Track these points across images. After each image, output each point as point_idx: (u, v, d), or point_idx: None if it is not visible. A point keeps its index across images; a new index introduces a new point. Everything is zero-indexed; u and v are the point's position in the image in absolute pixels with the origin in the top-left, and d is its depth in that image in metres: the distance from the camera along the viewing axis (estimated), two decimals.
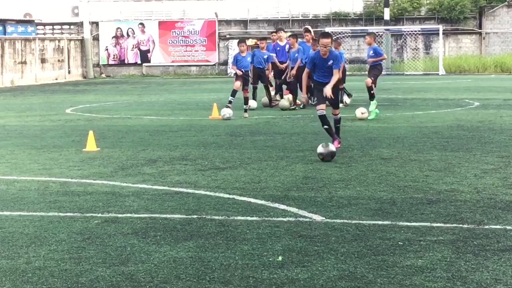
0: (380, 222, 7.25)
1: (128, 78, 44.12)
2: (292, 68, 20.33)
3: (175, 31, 45.71)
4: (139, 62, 46.31)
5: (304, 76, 12.55)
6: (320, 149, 11.10)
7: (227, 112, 18.13)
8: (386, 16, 42.53)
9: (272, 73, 22.09)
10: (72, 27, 47.39)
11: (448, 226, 7.06)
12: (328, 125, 12.24)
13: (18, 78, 39.24)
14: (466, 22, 44.92)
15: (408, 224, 7.16)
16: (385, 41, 42.58)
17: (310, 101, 21.46)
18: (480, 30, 44.87)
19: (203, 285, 5.45)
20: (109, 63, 46.59)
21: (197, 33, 45.67)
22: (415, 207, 7.86)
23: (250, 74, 19.13)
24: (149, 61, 46.19)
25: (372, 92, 17.40)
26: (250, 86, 19.99)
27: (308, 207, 7.94)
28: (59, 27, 47.54)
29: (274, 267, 5.83)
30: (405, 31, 44.00)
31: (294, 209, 7.87)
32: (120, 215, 7.72)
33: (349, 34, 43.76)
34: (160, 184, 9.49)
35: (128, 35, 46.20)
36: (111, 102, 25.03)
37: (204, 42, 45.72)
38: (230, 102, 19.35)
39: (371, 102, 17.46)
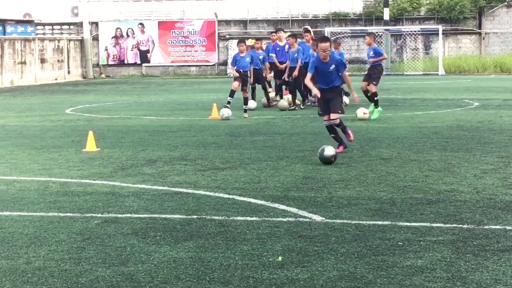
0: (380, 222, 7.25)
1: (128, 78, 44.11)
2: (292, 68, 20.30)
3: (174, 31, 45.71)
4: (138, 62, 46.29)
5: (308, 81, 12.09)
6: (331, 151, 10.82)
7: (225, 112, 18.13)
8: (386, 16, 42.53)
9: (272, 73, 22.11)
10: (71, 27, 47.38)
11: (448, 226, 7.07)
12: (336, 133, 11.98)
13: (17, 78, 39.24)
14: (466, 22, 44.93)
15: (408, 224, 7.16)
16: (385, 41, 42.57)
17: (308, 101, 21.50)
18: (479, 30, 44.87)
19: (203, 285, 5.46)
20: (109, 63, 46.58)
21: (196, 33, 45.67)
22: (415, 207, 7.87)
23: (249, 75, 19.10)
24: (148, 61, 46.18)
25: (376, 98, 17.34)
26: (249, 86, 19.98)
27: (308, 207, 7.94)
28: (58, 27, 47.53)
29: (274, 267, 5.84)
30: (404, 31, 44.00)
31: (294, 209, 7.87)
32: (120, 215, 7.72)
33: (349, 34, 43.76)
34: (160, 184, 9.49)
35: (127, 35, 46.20)
36: (111, 102, 25.03)
37: (203, 42, 45.72)
38: (228, 102, 19.37)
39: (376, 109, 17.37)
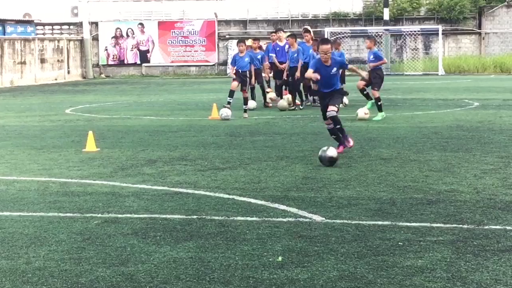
0: (380, 223, 7.25)
1: (128, 78, 44.12)
2: (292, 68, 20.28)
3: (174, 31, 45.72)
4: (138, 62, 46.30)
5: (308, 73, 11.99)
6: (333, 152, 10.68)
7: (225, 112, 18.14)
8: (386, 16, 42.53)
9: (272, 73, 22.12)
10: (71, 27, 47.38)
11: (448, 226, 7.07)
12: (336, 134, 11.84)
13: (17, 78, 39.24)
14: (466, 22, 44.93)
15: (408, 224, 7.16)
16: (385, 41, 42.58)
17: (307, 101, 21.50)
18: (479, 30, 44.88)
19: (203, 285, 5.46)
20: (109, 63, 46.59)
21: (196, 33, 45.67)
22: (415, 208, 7.87)
23: (248, 75, 19.09)
24: (148, 61, 46.18)
25: (379, 103, 17.33)
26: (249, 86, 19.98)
27: (308, 208, 7.94)
28: (58, 27, 47.54)
29: (274, 268, 5.84)
30: (404, 31, 44.00)
31: (294, 210, 7.87)
32: (120, 216, 7.72)
33: (349, 34, 43.77)
34: (160, 184, 9.49)
35: (127, 35, 46.20)
36: (111, 102, 25.03)
37: (203, 42, 45.72)
38: (228, 103, 19.38)
39: (380, 113, 17.36)
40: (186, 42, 45.75)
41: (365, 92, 18.17)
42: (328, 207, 7.95)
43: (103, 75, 46.19)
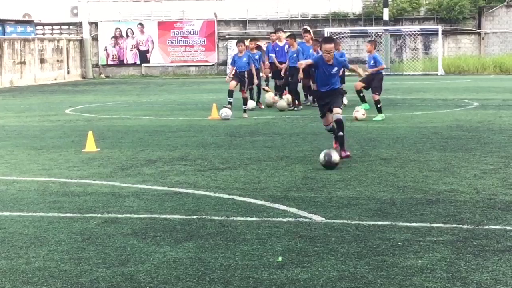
0: (380, 223, 7.25)
1: (127, 79, 44.12)
2: (292, 68, 20.27)
3: (174, 32, 45.71)
4: (138, 62, 46.30)
5: (308, 61, 11.88)
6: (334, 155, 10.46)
7: (225, 112, 18.14)
8: (385, 16, 42.53)
9: (271, 73, 22.13)
10: (71, 27, 47.38)
11: (448, 226, 7.07)
12: (336, 133, 11.57)
13: (17, 79, 39.23)
14: (465, 22, 44.93)
15: (408, 224, 7.17)
16: (384, 41, 42.58)
17: (307, 101, 21.50)
18: (479, 30, 44.88)
19: (203, 285, 5.46)
20: (108, 63, 46.59)
21: (196, 33, 45.67)
22: (414, 208, 7.87)
23: (246, 75, 19.10)
24: (148, 62, 46.18)
25: (379, 106, 17.33)
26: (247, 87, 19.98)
27: (307, 208, 7.94)
28: (58, 27, 47.53)
29: (274, 268, 5.84)
30: (404, 31, 44.01)
31: (294, 210, 7.87)
32: (119, 216, 7.72)
33: (348, 35, 43.77)
34: (160, 184, 9.49)
35: (127, 36, 46.20)
36: (110, 102, 25.03)
37: (203, 42, 45.72)
38: (229, 103, 19.41)
39: (379, 114, 17.37)
40: (186, 42, 45.75)
41: (361, 94, 18.16)
42: (328, 207, 7.95)
43: (102, 75, 46.19)
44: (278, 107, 20.41)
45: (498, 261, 5.92)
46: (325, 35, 39.11)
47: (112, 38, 46.26)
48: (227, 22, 46.34)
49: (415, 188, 8.93)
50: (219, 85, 33.26)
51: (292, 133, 14.98)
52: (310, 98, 21.21)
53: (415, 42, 44.43)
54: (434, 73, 41.34)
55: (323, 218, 7.46)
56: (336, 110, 11.30)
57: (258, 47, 23.10)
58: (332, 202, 8.22)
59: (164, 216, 7.68)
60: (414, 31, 43.77)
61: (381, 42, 41.19)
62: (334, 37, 36.06)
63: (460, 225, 7.09)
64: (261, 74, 22.14)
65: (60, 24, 47.45)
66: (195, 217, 7.60)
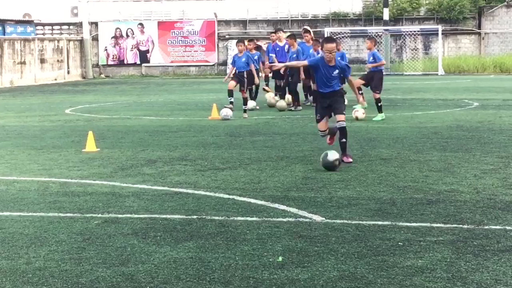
0: (380, 223, 7.25)
1: (127, 79, 44.12)
2: (292, 68, 20.26)
3: (174, 32, 45.72)
4: (138, 62, 46.30)
5: (300, 63, 11.64)
6: (334, 155, 10.25)
7: (225, 112, 18.15)
8: (386, 16, 42.54)
9: (271, 73, 22.13)
10: (71, 27, 47.38)
11: (448, 226, 7.07)
12: (333, 134, 11.35)
13: (17, 79, 39.24)
14: (465, 22, 44.94)
15: (408, 224, 7.17)
16: (385, 41, 42.59)
17: (307, 101, 21.49)
18: (479, 30, 44.89)
19: (203, 285, 5.46)
20: (108, 63, 46.59)
21: (196, 33, 45.68)
22: (415, 208, 7.87)
23: (245, 75, 19.12)
24: (148, 62, 46.18)
25: (380, 104, 17.35)
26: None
27: (308, 208, 7.94)
28: (58, 27, 47.54)
29: (274, 268, 5.84)
30: (404, 31, 44.01)
31: (294, 210, 7.87)
32: (120, 216, 7.72)
33: (349, 35, 43.77)
34: (160, 184, 9.49)
35: (127, 36, 46.21)
36: (111, 102, 25.03)
37: (203, 42, 45.72)
38: (231, 102, 19.42)
39: (379, 114, 17.39)
40: (186, 42, 45.75)
41: (360, 92, 18.15)
42: (328, 207, 7.95)
43: (102, 75, 46.19)
44: (278, 107, 20.41)
45: (498, 261, 5.93)
46: (325, 35, 39.11)
47: (112, 38, 46.27)
48: (227, 22, 46.35)
49: (415, 188, 8.93)
50: (219, 85, 33.25)
51: (292, 133, 14.98)
52: (310, 98, 21.20)
53: (415, 42, 44.44)
54: (434, 73, 41.34)
55: (323, 218, 7.46)
56: (340, 117, 10.94)
57: (258, 47, 23.12)
58: (332, 202, 8.23)
59: (164, 216, 7.68)
60: (414, 31, 43.77)
61: (381, 42, 41.18)
62: (334, 37, 36.09)
63: (460, 225, 7.09)
64: (260, 74, 22.14)
65: (60, 24, 47.46)
66: (195, 217, 7.60)
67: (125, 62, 46.45)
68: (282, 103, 20.45)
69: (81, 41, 45.94)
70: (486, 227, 7.03)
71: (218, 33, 45.85)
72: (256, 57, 20.82)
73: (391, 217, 7.48)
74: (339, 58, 21.33)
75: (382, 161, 11.05)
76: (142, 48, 46.07)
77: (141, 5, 47.05)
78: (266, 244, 6.53)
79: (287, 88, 21.30)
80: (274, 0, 46.28)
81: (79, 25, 46.65)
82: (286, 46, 21.27)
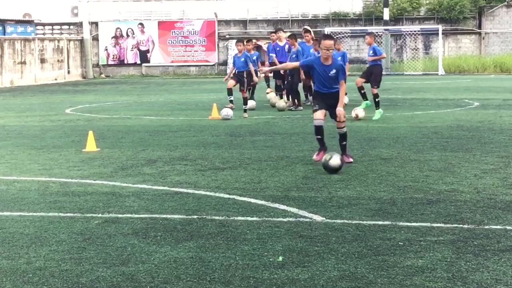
0: (380, 222, 7.25)
1: (128, 78, 44.12)
2: (292, 68, 20.26)
3: (174, 31, 45.72)
4: (138, 62, 46.30)
5: (290, 65, 11.41)
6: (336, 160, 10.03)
7: (225, 111, 18.16)
8: (386, 16, 42.53)
9: (272, 73, 22.13)
10: (71, 27, 47.38)
11: (448, 226, 7.07)
12: (322, 136, 10.91)
13: (17, 78, 39.24)
14: (466, 22, 44.93)
15: (408, 224, 7.17)
16: (385, 41, 42.58)
17: (307, 101, 21.49)
18: (479, 30, 44.88)
19: (204, 285, 5.46)
20: (109, 63, 46.59)
21: (196, 33, 45.67)
22: (415, 207, 7.87)
23: (245, 75, 19.13)
24: (148, 61, 46.18)
25: (377, 100, 17.40)
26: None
27: (308, 207, 7.94)
28: (58, 27, 47.54)
29: (275, 268, 5.84)
30: (404, 31, 44.01)
31: (294, 209, 7.87)
32: (120, 216, 7.72)
33: (349, 34, 43.77)
34: (160, 184, 9.49)
35: (127, 35, 46.20)
36: (111, 102, 25.03)
37: (203, 42, 45.72)
38: (231, 101, 19.42)
39: (377, 110, 17.43)
40: (186, 42, 45.75)
41: (362, 91, 18.20)
42: (328, 207, 7.95)
43: (103, 75, 46.19)
44: (277, 107, 20.40)
45: (498, 261, 5.93)
46: (329, 33, 39.07)
47: (112, 38, 46.26)
48: (227, 22, 46.34)
49: (415, 188, 8.93)
50: (220, 85, 33.25)
51: (292, 133, 14.98)
52: (311, 98, 21.19)
53: (415, 42, 44.43)
54: (435, 73, 41.34)
55: (324, 218, 7.46)
56: (340, 124, 10.82)
57: (259, 47, 23.11)
58: (332, 202, 8.23)
59: (164, 216, 7.68)
60: (415, 31, 43.76)
61: (381, 42, 41.18)
62: (335, 37, 36.10)
63: (461, 225, 7.09)
64: (259, 75, 22.12)
65: (61, 24, 47.46)
66: (195, 217, 7.60)
67: (125, 62, 46.45)
68: (281, 103, 20.44)
69: (81, 41, 45.95)
70: (487, 227, 7.03)
71: (218, 33, 45.85)
72: (254, 58, 20.81)
73: (391, 217, 7.48)
74: (339, 58, 21.40)
75: (382, 161, 11.05)
76: (142, 48, 46.07)
77: (141, 5, 47.05)
78: (266, 244, 6.53)
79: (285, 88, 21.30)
80: (274, 0, 46.27)
81: (79, 25, 46.64)
82: (287, 46, 21.27)
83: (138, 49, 46.10)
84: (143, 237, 6.83)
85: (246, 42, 21.55)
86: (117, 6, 46.92)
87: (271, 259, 6.06)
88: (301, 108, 20.53)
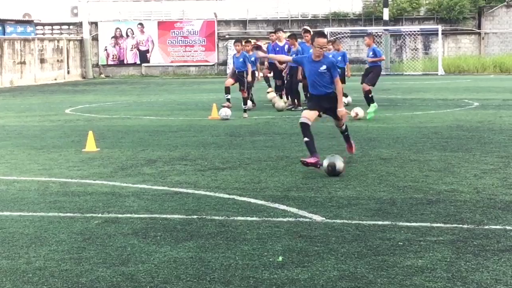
0: (380, 222, 7.25)
1: (127, 78, 44.12)
2: (292, 68, 20.28)
3: (174, 31, 45.72)
4: (138, 62, 46.31)
5: (285, 57, 11.25)
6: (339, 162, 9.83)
7: (224, 111, 18.16)
8: (385, 16, 42.55)
9: (272, 73, 22.13)
10: (71, 27, 47.39)
11: (448, 226, 7.07)
12: (310, 138, 10.29)
13: (17, 79, 39.24)
14: (465, 22, 44.94)
15: (408, 224, 7.17)
16: (384, 41, 42.59)
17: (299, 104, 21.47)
18: (479, 30, 44.89)
19: (204, 285, 5.46)
20: (108, 63, 46.59)
21: (196, 33, 45.68)
22: (415, 207, 7.87)
23: (244, 75, 19.13)
24: (148, 61, 46.19)
25: (370, 95, 17.49)
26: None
27: (308, 207, 7.94)
28: (58, 27, 47.54)
29: (275, 268, 5.84)
30: (404, 31, 44.02)
31: (294, 209, 7.87)
32: (120, 216, 7.72)
33: (348, 35, 43.78)
34: (160, 184, 9.49)
35: (127, 35, 46.20)
36: (111, 102, 25.03)
37: (203, 42, 45.72)
38: (227, 99, 19.43)
39: (371, 104, 17.52)
40: (186, 42, 45.75)
41: (370, 95, 18.18)
42: (328, 207, 7.95)
43: (102, 75, 46.19)
44: (276, 107, 20.39)
45: (498, 261, 5.93)
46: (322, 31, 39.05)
47: (112, 38, 46.27)
48: (227, 22, 46.35)
49: (415, 188, 8.93)
50: (219, 85, 33.23)
51: (292, 133, 14.98)
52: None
53: (415, 42, 44.44)
54: (434, 73, 41.35)
55: (323, 218, 7.46)
56: (340, 123, 10.73)
57: (258, 47, 23.09)
58: (332, 202, 8.23)
59: (164, 216, 7.68)
60: (414, 31, 43.78)
61: (381, 42, 41.19)
62: (334, 37, 36.11)
63: (460, 225, 7.09)
64: (257, 75, 22.11)
65: (60, 24, 47.46)
66: (195, 217, 7.60)
67: (125, 62, 46.45)
68: (280, 103, 20.44)
69: (81, 41, 45.95)
70: (486, 227, 7.03)
71: (218, 33, 45.86)
72: (252, 58, 20.81)
73: (391, 217, 7.48)
74: (339, 58, 21.29)
75: (382, 161, 11.05)
76: (142, 48, 46.08)
77: (141, 5, 47.05)
78: (266, 244, 6.53)
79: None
80: (274, 0, 46.28)
81: (79, 25, 46.65)
82: (286, 46, 21.26)
83: (138, 49, 46.10)
84: (143, 237, 6.83)
85: (245, 42, 21.55)
86: (117, 6, 46.92)
87: (271, 259, 6.06)
88: (301, 108, 20.47)
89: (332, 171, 9.77)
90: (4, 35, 39.99)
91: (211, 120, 17.99)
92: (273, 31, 23.67)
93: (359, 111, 17.31)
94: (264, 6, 46.29)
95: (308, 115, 10.30)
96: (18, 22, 43.59)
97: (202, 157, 11.78)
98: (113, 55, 46.43)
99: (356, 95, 20.27)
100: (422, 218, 7.41)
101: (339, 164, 9.81)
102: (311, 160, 10.07)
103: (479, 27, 44.94)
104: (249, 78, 19.42)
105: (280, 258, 6.06)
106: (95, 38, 46.40)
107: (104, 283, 5.51)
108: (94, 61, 46.44)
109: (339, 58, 20.72)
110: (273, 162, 11.15)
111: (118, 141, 14.12)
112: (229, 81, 19.44)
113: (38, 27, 45.93)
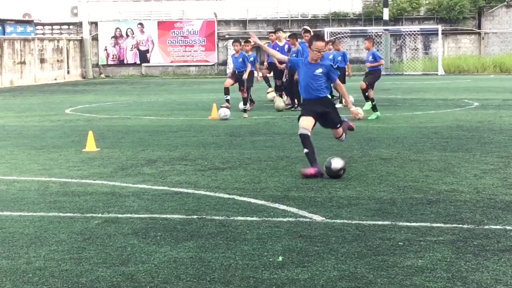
0: (380, 222, 7.25)
1: (127, 78, 44.12)
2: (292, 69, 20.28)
3: (174, 31, 45.72)
4: (138, 62, 46.32)
5: (280, 55, 11.05)
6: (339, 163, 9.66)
7: (223, 112, 18.16)
8: (385, 16, 42.55)
9: (272, 73, 22.12)
10: (71, 27, 47.39)
11: (448, 226, 7.07)
12: (310, 149, 9.93)
13: (17, 79, 39.24)
14: (465, 22, 44.95)
15: (408, 224, 7.17)
16: (384, 41, 42.60)
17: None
18: (479, 30, 44.89)
19: (204, 285, 5.46)
20: (108, 63, 46.61)
21: (196, 33, 45.68)
22: (415, 207, 7.87)
23: (244, 75, 19.14)
24: (148, 61, 46.20)
25: (366, 94, 17.58)
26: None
27: (308, 207, 7.94)
28: (58, 27, 47.55)
29: (275, 268, 5.84)
30: (404, 31, 44.02)
31: (294, 209, 7.87)
32: (120, 215, 7.72)
33: (348, 34, 43.78)
34: (160, 184, 9.49)
35: (127, 35, 46.21)
36: (111, 102, 25.03)
37: (203, 42, 45.73)
38: (227, 100, 19.43)
39: (366, 103, 17.64)
40: (186, 42, 45.76)
41: (366, 94, 18.23)
42: (328, 207, 7.95)
43: (102, 75, 46.20)
44: (276, 107, 20.39)
45: (498, 261, 5.93)
46: (325, 35, 39.12)
47: (112, 38, 46.28)
48: (227, 22, 46.35)
49: (415, 188, 8.93)
50: (219, 85, 33.21)
51: (292, 133, 14.97)
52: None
53: (415, 42, 44.44)
54: (434, 73, 41.35)
55: (324, 218, 7.46)
56: (337, 133, 10.34)
57: (258, 47, 23.07)
58: (332, 202, 8.23)
59: (164, 216, 7.68)
60: (414, 31, 43.78)
61: (381, 42, 41.21)
62: (334, 37, 36.12)
63: (461, 225, 7.09)
64: (255, 75, 22.09)
65: (60, 24, 47.47)
66: (195, 217, 7.60)
67: (125, 62, 46.46)
68: (280, 104, 20.43)
69: (81, 41, 45.95)
70: (486, 227, 7.03)
71: (218, 33, 45.86)
72: (252, 59, 20.80)
73: (391, 217, 7.48)
74: (339, 58, 21.31)
75: (382, 161, 11.05)
76: (142, 48, 46.08)
77: (141, 5, 47.06)
78: (266, 244, 6.53)
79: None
80: (274, 0, 46.29)
81: (79, 25, 46.65)
82: (286, 46, 21.26)
83: (138, 49, 46.11)
84: (143, 237, 6.83)
85: (245, 42, 21.56)
86: (117, 6, 46.92)
87: (271, 259, 6.06)
88: (293, 108, 20.54)
89: (329, 172, 9.70)
90: (4, 35, 40.00)
91: (211, 120, 17.99)
92: (273, 31, 23.67)
93: (359, 111, 17.34)
94: (264, 6, 46.30)
95: (306, 125, 9.96)
96: (18, 22, 43.60)
97: (202, 157, 11.78)
98: (113, 55, 46.44)
99: (356, 95, 20.26)
100: (422, 218, 7.41)
101: (335, 164, 9.64)
102: (311, 171, 9.78)
103: (479, 27, 44.94)
104: (245, 76, 19.30)
105: (280, 258, 6.06)
106: (95, 38, 46.40)
107: (104, 283, 5.51)
108: (94, 61, 46.45)
109: (339, 58, 20.76)
110: (273, 162, 11.15)
111: (118, 141, 14.12)
112: (229, 81, 19.47)
113: (38, 27, 45.94)
